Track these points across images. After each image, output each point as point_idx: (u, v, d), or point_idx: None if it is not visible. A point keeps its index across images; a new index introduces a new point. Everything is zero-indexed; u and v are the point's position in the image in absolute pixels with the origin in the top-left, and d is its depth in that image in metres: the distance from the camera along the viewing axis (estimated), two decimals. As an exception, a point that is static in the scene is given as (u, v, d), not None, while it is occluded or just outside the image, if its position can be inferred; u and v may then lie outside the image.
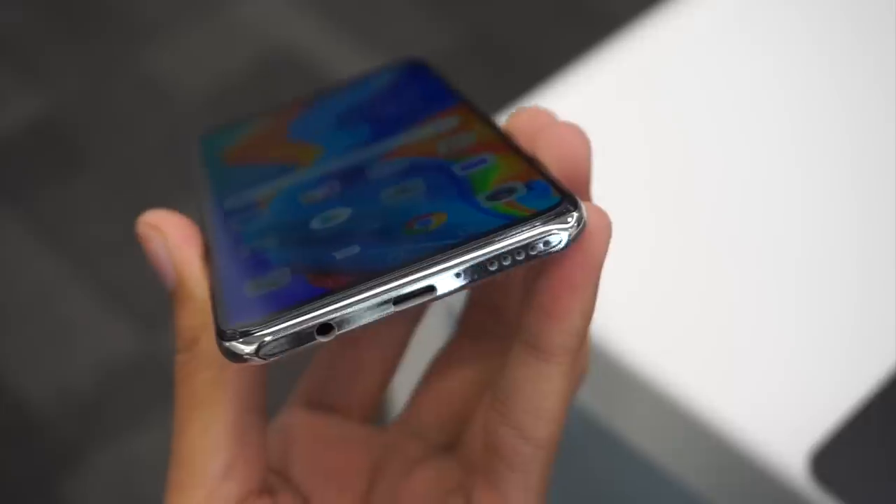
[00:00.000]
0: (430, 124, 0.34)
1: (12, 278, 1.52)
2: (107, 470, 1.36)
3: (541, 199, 0.27)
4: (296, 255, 0.29)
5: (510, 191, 0.28)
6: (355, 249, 0.28)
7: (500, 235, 0.26)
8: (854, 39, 0.62)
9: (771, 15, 0.63)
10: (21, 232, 1.57)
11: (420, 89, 0.36)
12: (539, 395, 0.30)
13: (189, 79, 1.72)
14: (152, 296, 1.50)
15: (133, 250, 1.54)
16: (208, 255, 0.32)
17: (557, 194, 0.28)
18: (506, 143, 0.31)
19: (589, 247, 0.28)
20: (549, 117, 0.33)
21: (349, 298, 0.26)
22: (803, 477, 0.48)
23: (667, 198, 0.56)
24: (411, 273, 0.26)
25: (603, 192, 0.57)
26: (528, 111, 0.33)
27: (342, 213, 0.30)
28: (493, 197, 0.28)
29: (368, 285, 0.26)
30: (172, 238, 0.33)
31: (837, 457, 0.47)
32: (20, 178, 1.62)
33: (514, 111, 0.32)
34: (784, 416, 0.49)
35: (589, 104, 0.60)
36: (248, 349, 0.26)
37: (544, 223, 0.27)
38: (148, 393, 1.42)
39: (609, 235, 0.28)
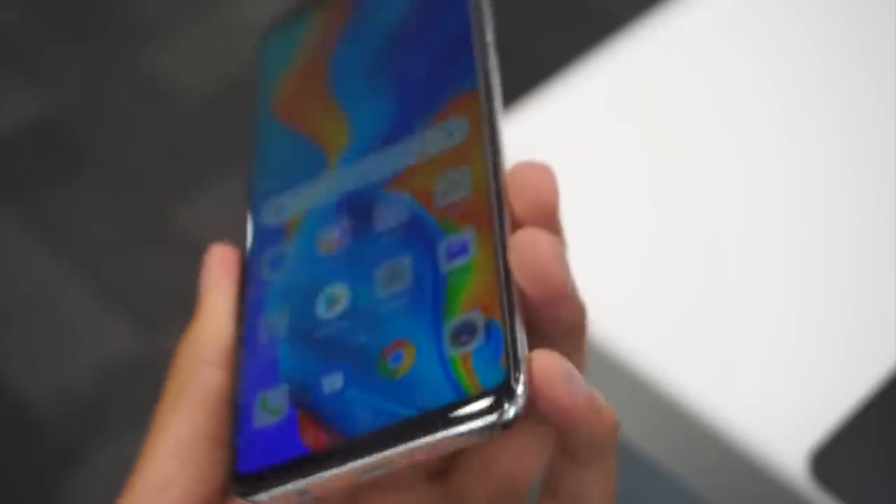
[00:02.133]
0: (440, 129, 0.36)
1: (12, 278, 1.52)
2: (107, 470, 1.36)
3: (489, 368, 0.31)
4: (296, 368, 0.34)
5: (472, 331, 0.32)
6: (338, 383, 0.33)
7: (448, 428, 0.31)
8: (855, 40, 0.62)
9: (771, 15, 0.63)
10: (21, 232, 1.57)
11: (448, 28, 0.38)
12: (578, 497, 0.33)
13: (189, 79, 1.72)
14: (153, 296, 1.50)
15: (133, 250, 1.54)
16: (242, 289, 0.37)
17: (505, 364, 0.31)
18: (489, 213, 0.33)
19: (548, 400, 0.31)
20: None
21: (324, 470, 0.32)
22: (803, 477, 0.48)
23: (667, 197, 0.56)
24: (376, 450, 0.31)
25: (603, 192, 0.57)
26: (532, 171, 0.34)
27: (341, 298, 0.34)
28: (456, 336, 0.32)
29: (339, 459, 0.31)
30: (210, 262, 0.37)
31: (837, 457, 0.47)
32: (20, 178, 1.62)
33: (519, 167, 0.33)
34: (784, 416, 0.49)
35: (589, 104, 0.60)
36: (246, 498, 0.33)
37: (482, 421, 0.30)
38: (148, 393, 1.42)
39: (563, 375, 0.30)
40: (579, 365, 0.35)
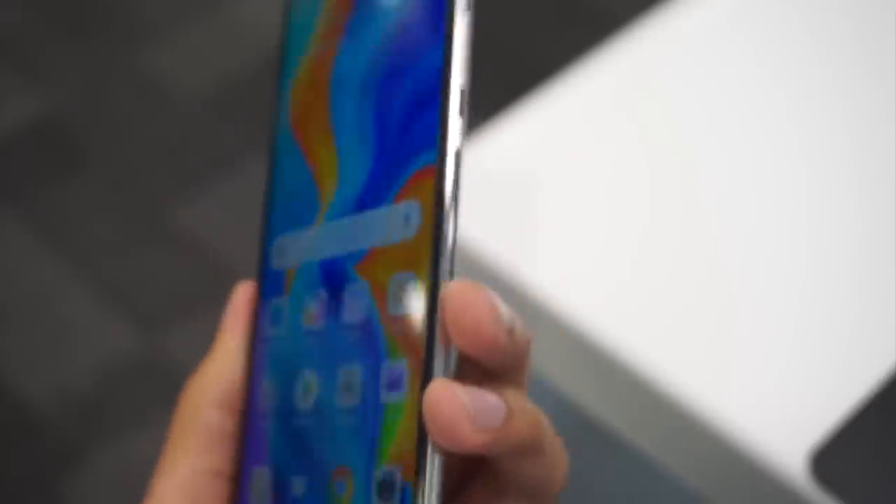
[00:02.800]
0: (400, 210, 0.35)
1: (12, 278, 1.52)
2: (107, 470, 1.36)
3: None
4: (278, 454, 0.36)
5: (391, 489, 0.33)
6: (301, 488, 0.35)
7: None
8: (855, 40, 0.62)
9: (771, 14, 0.63)
10: (21, 232, 1.57)
11: (421, 68, 0.37)
12: None
13: (189, 79, 1.72)
14: (153, 296, 1.50)
15: (133, 250, 1.54)
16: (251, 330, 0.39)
17: None
18: (422, 348, 0.33)
19: None
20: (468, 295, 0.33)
21: None
22: (803, 477, 0.48)
23: (667, 196, 0.56)
24: None
25: (602, 191, 0.57)
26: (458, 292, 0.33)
27: (312, 388, 0.36)
28: (380, 489, 0.33)
29: None
30: (232, 300, 0.39)
31: (837, 457, 0.47)
32: (20, 178, 1.62)
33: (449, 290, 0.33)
34: (784, 416, 0.49)
35: (589, 104, 0.60)
36: None
37: None
38: (148, 393, 1.42)
39: None
40: (521, 385, 0.35)
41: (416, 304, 0.34)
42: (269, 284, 0.39)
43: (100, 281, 1.52)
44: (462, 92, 0.35)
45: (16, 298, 1.50)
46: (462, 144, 0.34)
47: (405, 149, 0.35)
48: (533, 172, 0.58)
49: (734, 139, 0.58)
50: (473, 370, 0.34)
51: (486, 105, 1.70)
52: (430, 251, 0.34)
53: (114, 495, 1.34)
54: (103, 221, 1.57)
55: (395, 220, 0.35)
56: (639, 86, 0.60)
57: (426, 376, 0.33)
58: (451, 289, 0.33)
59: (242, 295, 0.39)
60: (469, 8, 0.35)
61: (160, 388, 1.42)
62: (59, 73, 1.73)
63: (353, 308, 0.35)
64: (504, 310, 0.33)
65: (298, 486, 0.35)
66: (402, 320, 0.34)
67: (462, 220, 0.56)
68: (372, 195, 0.36)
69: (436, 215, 0.34)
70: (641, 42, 0.62)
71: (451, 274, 0.34)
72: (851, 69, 0.60)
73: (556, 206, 0.56)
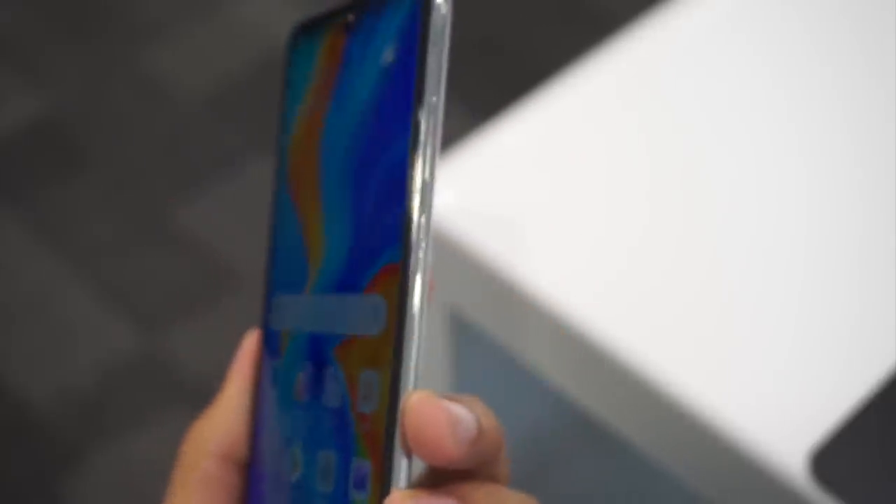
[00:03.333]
0: (369, 304, 0.35)
1: (12, 278, 1.52)
2: (107, 470, 1.36)
3: None
4: None
5: None
6: None
7: None
8: (855, 40, 0.62)
9: (771, 14, 0.63)
10: (21, 232, 1.57)
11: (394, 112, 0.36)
12: None
13: (189, 79, 1.72)
14: (153, 296, 1.50)
15: (133, 250, 1.54)
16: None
17: None
18: (382, 454, 0.33)
19: None
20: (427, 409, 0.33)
21: None
22: (803, 477, 0.48)
23: (667, 196, 0.56)
24: None
25: (602, 191, 0.57)
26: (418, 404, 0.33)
27: (298, 465, 0.36)
28: None
29: None
30: (240, 349, 0.39)
31: (837, 457, 0.47)
32: (20, 178, 1.62)
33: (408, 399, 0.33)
34: (784, 415, 0.49)
35: (589, 104, 0.60)
36: None
37: None
38: (148, 393, 1.42)
39: None
40: (498, 479, 0.35)
41: (379, 410, 0.33)
42: (270, 339, 0.39)
43: (100, 281, 1.51)
44: (426, 186, 0.34)
45: (16, 298, 1.50)
46: (427, 245, 0.34)
47: (376, 238, 0.35)
48: (532, 172, 0.58)
49: (734, 139, 0.58)
50: (442, 470, 0.34)
51: (486, 105, 1.70)
52: (392, 359, 0.33)
53: (114, 495, 1.34)
54: (103, 221, 1.57)
55: (365, 312, 0.35)
56: (639, 86, 0.60)
57: (384, 487, 0.32)
58: (411, 403, 0.32)
59: (248, 344, 0.39)
60: (438, 94, 0.34)
61: (160, 388, 1.42)
62: (59, 73, 1.73)
63: (332, 394, 0.35)
64: (466, 420, 0.33)
65: None
66: (368, 420, 0.34)
67: (462, 220, 0.56)
68: (349, 278, 0.35)
69: (397, 324, 0.33)
70: (641, 42, 0.62)
71: (417, 374, 0.33)
72: (851, 68, 0.60)
73: (555, 205, 0.56)
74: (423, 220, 0.34)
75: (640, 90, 0.60)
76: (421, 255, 0.33)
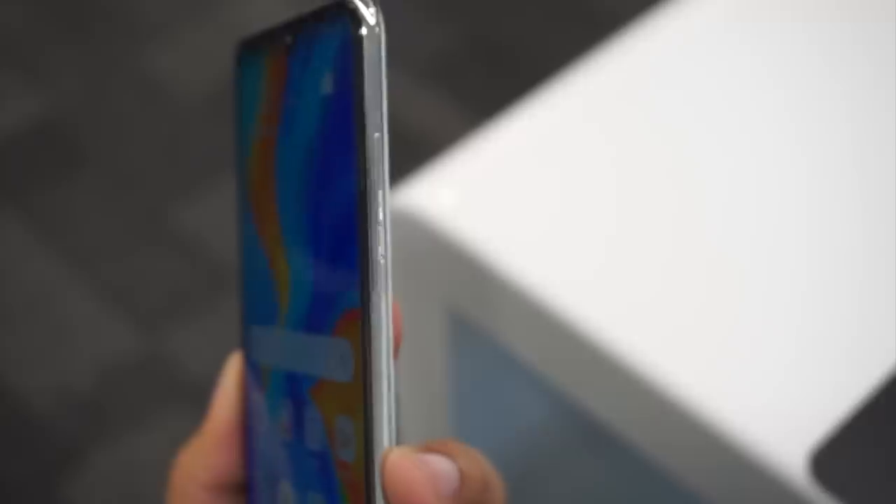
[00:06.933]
0: (336, 349, 0.34)
1: (12, 278, 1.52)
2: (107, 470, 1.36)
3: None
4: None
5: None
6: None
7: None
8: (855, 40, 0.62)
9: (771, 15, 0.63)
10: (21, 232, 1.57)
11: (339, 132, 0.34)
12: None
13: (189, 79, 1.72)
14: (152, 296, 1.50)
15: (133, 250, 1.54)
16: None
17: None
18: (365, 498, 0.33)
19: None
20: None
21: None
22: (803, 477, 0.48)
23: (668, 196, 0.56)
24: None
25: (603, 191, 0.57)
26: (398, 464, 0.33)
27: (288, 501, 0.36)
28: None
29: None
30: (225, 368, 0.39)
31: (837, 457, 0.47)
32: (20, 178, 1.62)
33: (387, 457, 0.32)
34: (784, 415, 0.49)
35: (589, 104, 0.60)
36: None
37: None
38: (148, 393, 1.42)
39: None
40: None
41: (356, 462, 0.32)
42: (253, 367, 0.38)
43: (100, 281, 1.51)
44: (379, 226, 0.32)
45: (16, 298, 1.50)
46: (387, 287, 0.32)
47: (336, 278, 0.33)
48: (532, 172, 0.58)
49: (735, 139, 0.58)
50: None
51: (485, 105, 1.70)
52: (363, 410, 0.32)
53: (114, 495, 1.34)
54: (103, 221, 1.57)
55: (334, 356, 0.33)
56: (638, 86, 0.60)
57: None
58: (389, 463, 0.32)
59: (232, 367, 0.38)
60: (381, 129, 0.32)
61: (160, 388, 1.42)
62: (59, 73, 1.73)
63: (313, 436, 0.34)
64: (447, 473, 0.32)
65: None
66: (348, 469, 0.33)
67: (462, 220, 0.56)
68: (317, 316, 0.34)
69: (363, 375, 0.32)
70: (641, 42, 0.62)
71: (391, 424, 0.32)
72: (851, 69, 0.60)
73: (555, 205, 0.56)
74: (380, 261, 0.32)
75: (639, 90, 0.60)
76: (382, 301, 0.32)
